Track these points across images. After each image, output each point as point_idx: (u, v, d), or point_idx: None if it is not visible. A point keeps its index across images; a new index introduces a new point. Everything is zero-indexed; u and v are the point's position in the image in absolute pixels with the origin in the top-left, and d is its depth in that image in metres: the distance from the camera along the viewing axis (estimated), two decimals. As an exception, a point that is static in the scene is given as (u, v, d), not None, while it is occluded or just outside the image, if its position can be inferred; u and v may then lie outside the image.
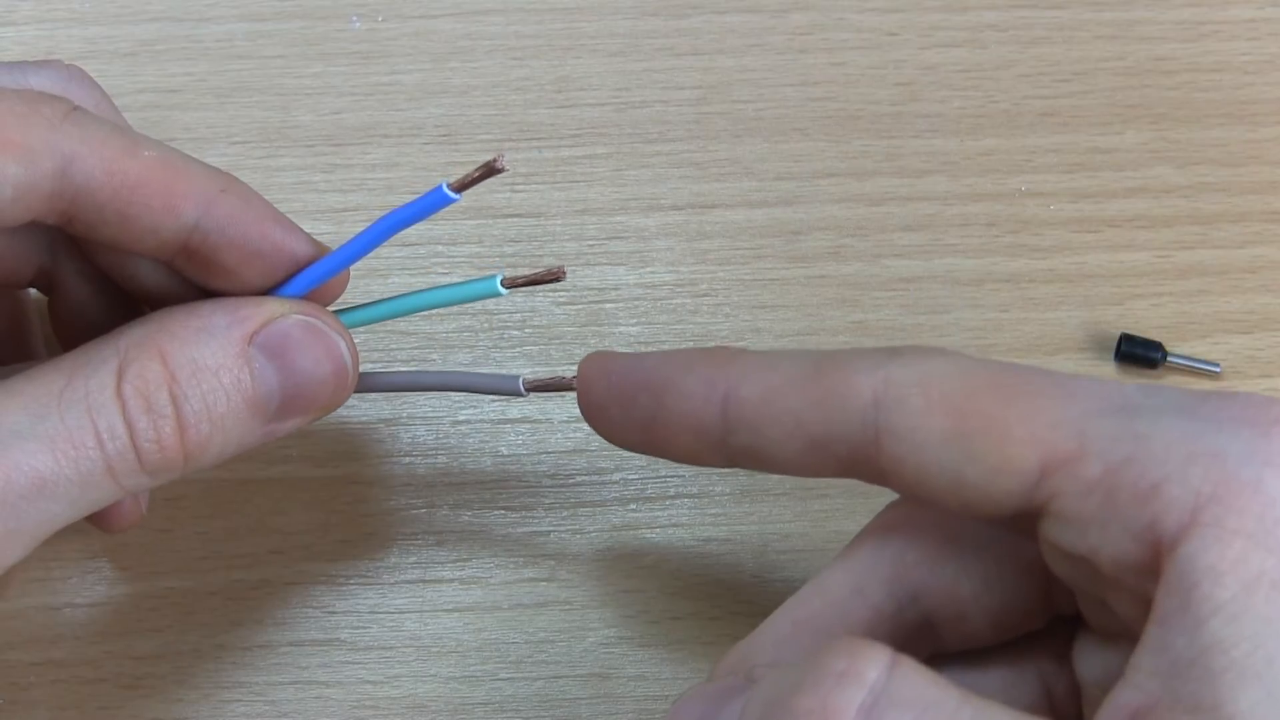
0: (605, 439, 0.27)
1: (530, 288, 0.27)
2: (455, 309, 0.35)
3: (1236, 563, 0.19)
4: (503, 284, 0.27)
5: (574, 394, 0.27)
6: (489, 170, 0.25)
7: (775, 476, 0.34)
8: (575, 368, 0.27)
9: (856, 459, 0.23)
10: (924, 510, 0.25)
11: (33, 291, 0.31)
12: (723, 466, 0.25)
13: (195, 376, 0.25)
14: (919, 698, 0.20)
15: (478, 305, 0.35)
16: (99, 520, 0.29)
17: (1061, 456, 0.21)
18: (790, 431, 0.24)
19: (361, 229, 0.27)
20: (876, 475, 0.23)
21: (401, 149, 0.37)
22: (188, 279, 0.27)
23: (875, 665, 0.20)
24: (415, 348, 0.35)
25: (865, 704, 0.19)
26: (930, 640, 0.25)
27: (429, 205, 0.26)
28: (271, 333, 0.26)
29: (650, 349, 0.35)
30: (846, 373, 0.23)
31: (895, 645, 0.21)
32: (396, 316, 0.29)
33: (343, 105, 0.38)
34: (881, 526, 0.26)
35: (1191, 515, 0.20)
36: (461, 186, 0.25)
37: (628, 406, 0.26)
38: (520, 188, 0.37)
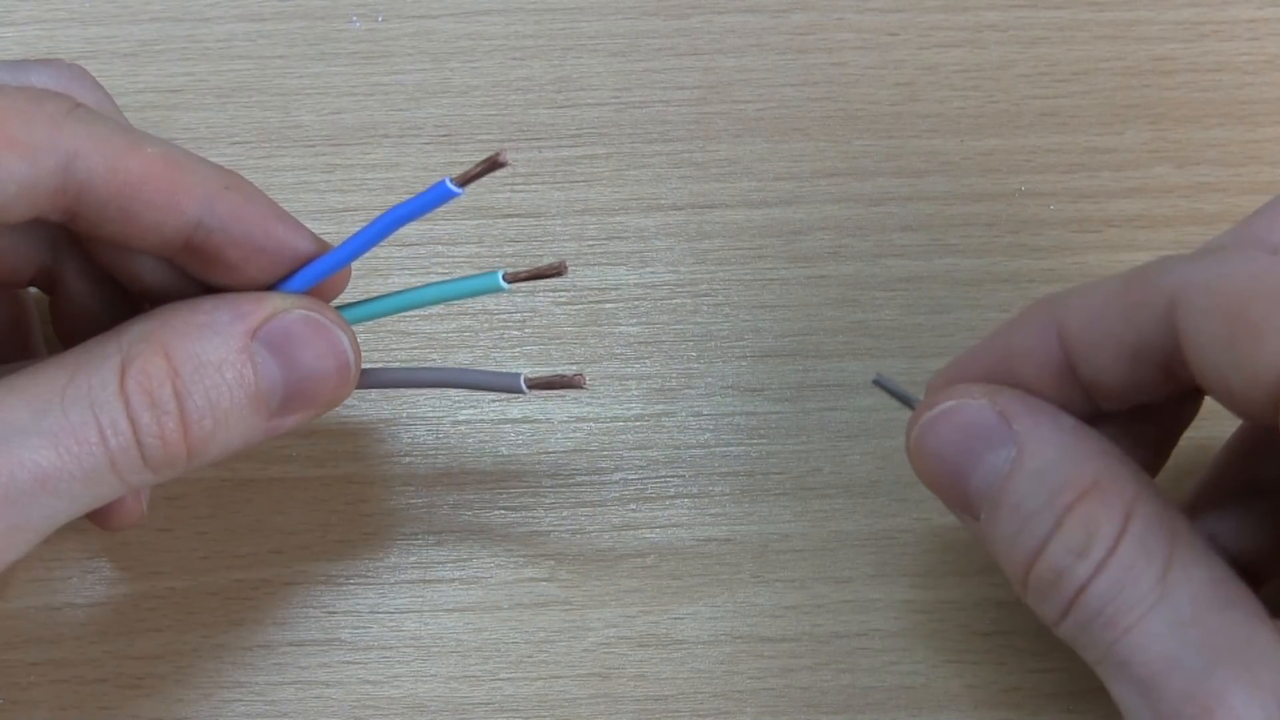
0: None
1: (531, 283, 0.27)
2: (455, 309, 0.35)
3: None
4: (504, 279, 0.27)
5: (574, 393, 0.27)
6: (492, 165, 0.25)
7: (775, 476, 0.34)
8: (575, 367, 0.27)
9: (1171, 365, 0.24)
10: (1111, 315, 0.26)
11: (34, 290, 0.31)
12: (1084, 419, 0.26)
13: (198, 372, 0.25)
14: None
15: (478, 305, 0.35)
16: (100, 519, 0.30)
17: None
18: (1115, 350, 0.25)
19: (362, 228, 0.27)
20: (1190, 382, 0.24)
21: (401, 149, 0.37)
22: (190, 275, 0.27)
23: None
24: (415, 348, 0.35)
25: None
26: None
27: (432, 200, 0.26)
28: (274, 328, 0.26)
29: (650, 349, 0.35)
30: (1150, 277, 0.24)
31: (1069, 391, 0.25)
32: (398, 312, 0.29)
33: (343, 105, 0.38)
34: (1055, 308, 0.26)
35: None
36: (464, 181, 0.25)
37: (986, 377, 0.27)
38: (520, 188, 0.37)
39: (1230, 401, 0.23)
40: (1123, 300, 0.25)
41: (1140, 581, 0.23)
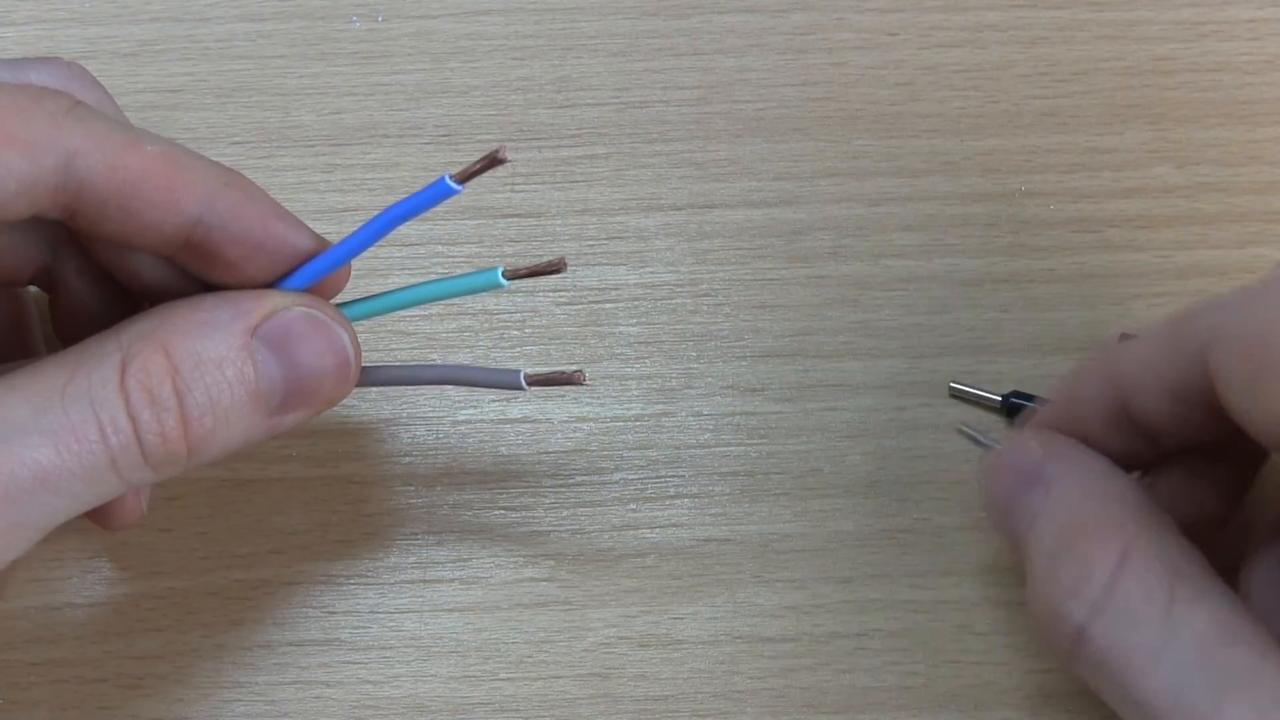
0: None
1: (531, 282, 0.27)
2: (455, 308, 0.35)
3: None
4: (504, 275, 0.27)
5: (574, 391, 0.27)
6: (492, 161, 0.25)
7: (775, 476, 0.34)
8: (575, 366, 0.27)
9: (1214, 405, 0.24)
10: (1158, 360, 0.26)
11: (34, 289, 0.31)
12: (1149, 460, 0.28)
13: (198, 369, 0.25)
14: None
15: (478, 305, 0.35)
16: (100, 518, 0.29)
17: None
18: (1161, 394, 0.26)
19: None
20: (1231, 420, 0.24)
21: (401, 149, 0.37)
22: (190, 274, 0.27)
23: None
24: (415, 348, 0.35)
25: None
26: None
27: (431, 197, 0.26)
28: (274, 325, 0.26)
29: (650, 349, 0.35)
30: (1189, 321, 0.25)
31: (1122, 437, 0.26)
32: (398, 309, 0.29)
33: (343, 105, 0.38)
34: (1107, 362, 0.27)
35: None
36: (464, 178, 0.25)
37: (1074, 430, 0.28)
38: (520, 188, 0.37)
39: (1262, 439, 0.23)
40: (1166, 345, 0.25)
41: (1144, 625, 0.24)
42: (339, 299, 0.28)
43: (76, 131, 0.24)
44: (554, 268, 0.27)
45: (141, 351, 0.24)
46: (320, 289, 0.27)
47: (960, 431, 0.34)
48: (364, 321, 0.28)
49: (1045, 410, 0.29)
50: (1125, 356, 0.27)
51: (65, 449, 0.23)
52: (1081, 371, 0.28)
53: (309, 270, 0.27)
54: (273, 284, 0.27)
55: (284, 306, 0.26)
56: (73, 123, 0.24)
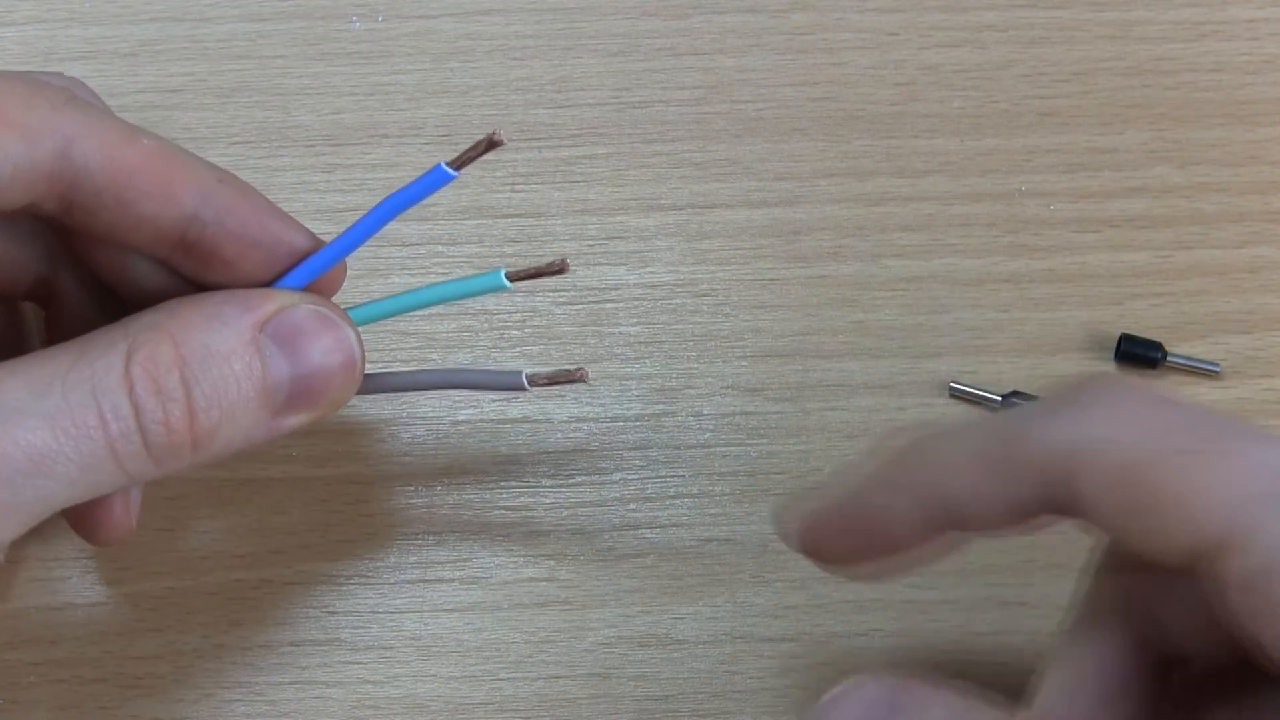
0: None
1: (534, 280, 0.27)
2: (456, 308, 0.35)
3: None
4: (506, 277, 0.27)
5: (574, 391, 0.27)
6: (488, 144, 0.25)
7: (775, 476, 0.34)
8: (577, 365, 0.27)
9: (1060, 514, 0.23)
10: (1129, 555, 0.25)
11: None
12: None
13: (207, 361, 0.24)
14: None
15: (478, 305, 0.35)
16: (88, 531, 0.29)
17: (1218, 546, 0.21)
18: (991, 508, 0.24)
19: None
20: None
21: (401, 149, 0.37)
22: (187, 278, 0.27)
23: None
24: (415, 348, 0.35)
25: None
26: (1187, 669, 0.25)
27: (428, 185, 0.26)
28: (283, 321, 0.26)
29: (650, 349, 0.35)
30: (1038, 446, 0.23)
31: (1148, 683, 0.24)
32: (401, 313, 0.29)
33: (343, 105, 0.38)
34: (1105, 586, 0.26)
35: None
36: (460, 163, 0.25)
37: (840, 554, 0.27)
38: (520, 188, 0.37)
39: (1142, 555, 0.23)
40: (997, 463, 0.24)
41: None
42: (342, 303, 0.28)
43: (74, 119, 0.24)
44: (556, 269, 0.27)
45: (149, 341, 0.24)
46: (318, 286, 0.27)
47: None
48: (365, 325, 0.28)
49: (823, 510, 0.27)
50: (937, 472, 0.25)
51: (62, 433, 0.23)
52: (876, 482, 0.26)
53: (307, 268, 0.27)
54: (270, 283, 0.27)
55: (292, 304, 0.26)
56: (71, 111, 0.24)
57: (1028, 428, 0.24)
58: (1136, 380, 0.23)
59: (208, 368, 0.25)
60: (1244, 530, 0.21)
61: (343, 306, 0.28)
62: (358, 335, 0.27)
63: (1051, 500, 0.23)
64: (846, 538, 0.26)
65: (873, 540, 0.26)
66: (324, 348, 0.26)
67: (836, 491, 0.26)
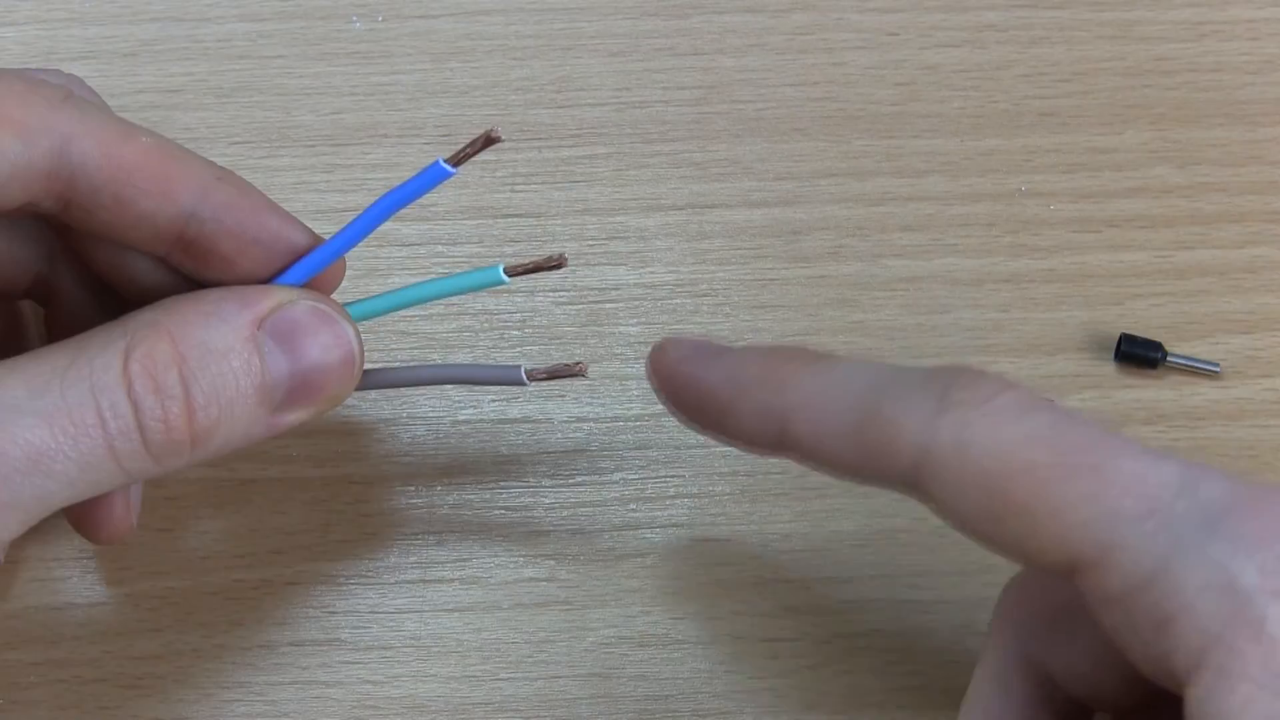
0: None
1: (532, 281, 0.27)
2: (455, 308, 0.35)
3: (1243, 710, 0.19)
4: (505, 272, 0.27)
5: (575, 384, 0.27)
6: (486, 141, 0.25)
7: (775, 476, 0.34)
8: (577, 360, 0.27)
9: (912, 495, 0.23)
10: (1032, 588, 0.25)
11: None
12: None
13: (205, 358, 0.24)
14: None
15: (477, 305, 0.35)
16: (89, 530, 0.29)
17: (1087, 561, 0.21)
18: (843, 468, 0.24)
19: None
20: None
21: (401, 149, 0.37)
22: (185, 276, 0.27)
23: None
24: (415, 347, 0.35)
25: None
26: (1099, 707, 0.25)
27: (426, 182, 0.26)
28: (281, 318, 0.26)
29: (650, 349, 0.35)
30: (890, 431, 0.23)
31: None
32: (401, 308, 0.28)
33: (343, 105, 0.38)
34: (1002, 617, 0.26)
35: (1199, 657, 0.20)
36: (458, 160, 0.25)
37: (692, 414, 0.27)
38: (520, 188, 0.37)
39: (1003, 554, 0.23)
40: (860, 440, 0.24)
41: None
42: (341, 299, 0.28)
43: (72, 117, 0.24)
44: (555, 263, 0.27)
45: (147, 339, 0.24)
46: (317, 283, 0.27)
47: None
48: (364, 321, 0.28)
49: (689, 374, 0.27)
50: (800, 415, 0.24)
51: (60, 431, 0.23)
52: (740, 384, 0.26)
53: (305, 265, 0.27)
54: (269, 280, 0.27)
55: (290, 301, 0.26)
56: (69, 109, 0.24)
57: (890, 409, 0.23)
58: (1010, 381, 0.23)
59: (206, 365, 0.24)
60: (1109, 548, 0.21)
61: (341, 303, 0.28)
62: (356, 331, 0.27)
63: (902, 482, 0.23)
64: (696, 409, 0.27)
65: (717, 424, 0.26)
66: (323, 344, 0.26)
67: (712, 362, 0.26)
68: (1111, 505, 0.21)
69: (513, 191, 0.37)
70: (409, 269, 0.36)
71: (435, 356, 0.35)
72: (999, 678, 0.25)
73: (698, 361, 0.27)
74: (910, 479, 0.23)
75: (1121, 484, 0.21)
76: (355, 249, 0.27)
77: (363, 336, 0.28)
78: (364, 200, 0.37)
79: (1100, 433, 0.22)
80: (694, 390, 0.26)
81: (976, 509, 0.22)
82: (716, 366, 0.26)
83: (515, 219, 0.37)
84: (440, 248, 0.36)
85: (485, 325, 0.35)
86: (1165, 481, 0.21)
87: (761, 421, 0.25)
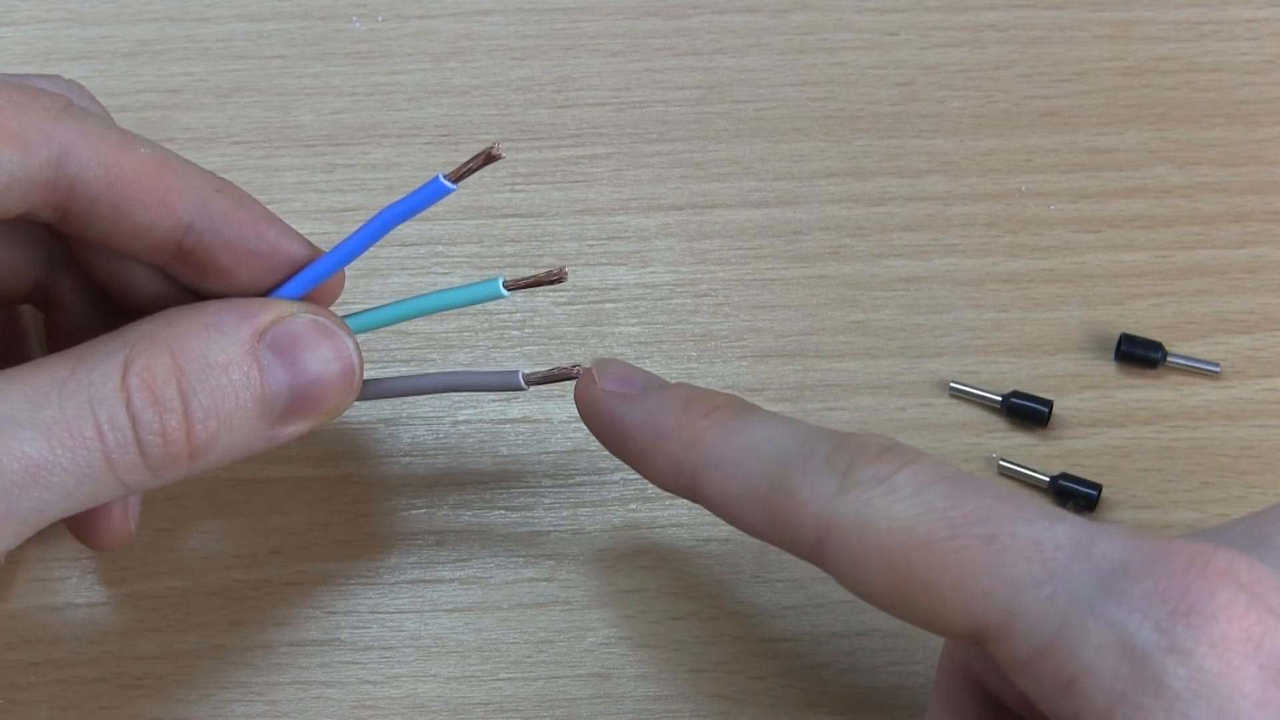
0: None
1: (531, 289, 0.27)
2: (455, 309, 0.35)
3: None
4: (505, 286, 0.27)
5: (573, 389, 0.28)
6: (486, 158, 0.25)
7: (775, 476, 0.34)
8: (574, 363, 0.27)
9: (819, 566, 0.24)
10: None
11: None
12: None
13: (205, 371, 0.24)
14: None
15: (477, 305, 0.35)
16: (88, 537, 0.29)
17: (992, 630, 0.21)
18: (751, 531, 0.25)
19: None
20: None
21: (401, 149, 0.37)
22: (184, 286, 0.27)
23: None
24: (415, 348, 0.35)
25: None
26: None
27: (426, 197, 0.26)
28: (281, 331, 0.26)
29: (651, 349, 0.35)
30: (795, 505, 0.24)
31: None
32: (399, 321, 0.29)
33: (343, 105, 0.38)
34: (947, 660, 0.26)
35: (1106, 717, 0.20)
36: (458, 176, 0.25)
37: (611, 448, 0.28)
38: (520, 188, 0.37)
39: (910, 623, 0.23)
40: (765, 510, 0.24)
41: None
42: (340, 311, 0.28)
43: (70, 128, 0.24)
44: (555, 278, 0.27)
45: (146, 351, 0.24)
46: (316, 295, 0.27)
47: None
48: (363, 334, 0.28)
49: (615, 407, 0.27)
50: (708, 477, 0.25)
51: (58, 444, 0.23)
52: (661, 437, 0.26)
53: (304, 277, 0.27)
54: (268, 292, 0.27)
55: (290, 313, 0.26)
56: (67, 120, 0.24)
57: (796, 481, 0.24)
58: (914, 454, 0.23)
59: (205, 378, 0.24)
60: (1011, 615, 0.21)
61: (341, 314, 0.28)
62: (356, 344, 0.27)
63: (808, 554, 0.24)
64: (615, 444, 0.27)
65: (633, 464, 0.27)
66: (322, 357, 0.26)
67: (633, 403, 0.27)
68: (1008, 573, 0.21)
69: (513, 191, 0.37)
70: (409, 269, 0.36)
71: (435, 356, 0.35)
72: (952, 698, 0.26)
73: (620, 399, 0.27)
74: (815, 554, 0.24)
75: (1017, 550, 0.21)
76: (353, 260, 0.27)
77: (361, 337, 0.28)
78: (363, 200, 0.37)
79: (995, 500, 0.22)
80: (612, 427, 0.27)
81: (880, 584, 0.23)
82: (636, 408, 0.27)
83: (515, 219, 0.37)
84: (440, 248, 0.36)
85: (485, 325, 0.35)
86: (1060, 544, 0.21)
87: (675, 473, 0.26)
